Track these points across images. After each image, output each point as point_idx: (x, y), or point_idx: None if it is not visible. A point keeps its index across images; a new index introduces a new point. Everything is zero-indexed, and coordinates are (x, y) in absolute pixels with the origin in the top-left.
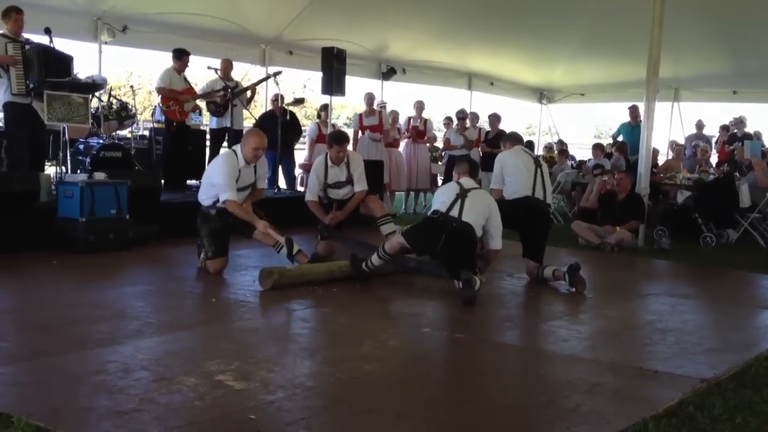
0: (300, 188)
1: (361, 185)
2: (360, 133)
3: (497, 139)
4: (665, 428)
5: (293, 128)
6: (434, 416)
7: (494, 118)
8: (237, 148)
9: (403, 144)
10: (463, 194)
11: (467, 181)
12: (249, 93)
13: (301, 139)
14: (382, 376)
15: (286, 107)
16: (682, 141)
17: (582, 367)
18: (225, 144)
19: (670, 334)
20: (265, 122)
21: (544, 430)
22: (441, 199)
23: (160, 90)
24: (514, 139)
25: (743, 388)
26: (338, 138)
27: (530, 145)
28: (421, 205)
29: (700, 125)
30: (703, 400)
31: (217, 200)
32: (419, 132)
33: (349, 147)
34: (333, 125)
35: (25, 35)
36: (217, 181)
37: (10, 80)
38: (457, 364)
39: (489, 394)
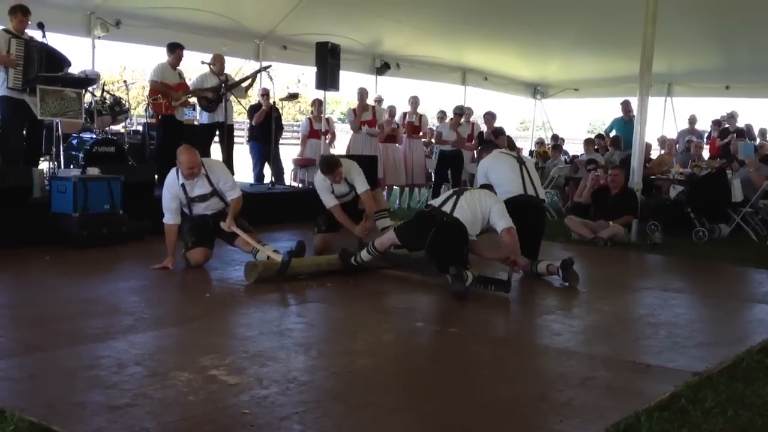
0: (292, 183)
1: (362, 186)
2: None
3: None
4: (658, 422)
5: (278, 124)
6: (428, 410)
7: (489, 117)
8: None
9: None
10: (460, 192)
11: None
12: (246, 84)
13: (294, 134)
14: (376, 370)
15: (277, 102)
16: (673, 136)
17: (575, 361)
18: (216, 140)
19: (663, 328)
20: (253, 114)
21: (537, 423)
22: (440, 196)
23: (152, 83)
24: (490, 145)
25: (735, 382)
26: (328, 168)
27: (510, 141)
28: (416, 201)
29: (692, 120)
30: (695, 393)
31: (189, 208)
32: (414, 127)
33: (345, 142)
34: (328, 120)
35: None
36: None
37: (7, 74)
38: (451, 359)
39: (482, 388)
